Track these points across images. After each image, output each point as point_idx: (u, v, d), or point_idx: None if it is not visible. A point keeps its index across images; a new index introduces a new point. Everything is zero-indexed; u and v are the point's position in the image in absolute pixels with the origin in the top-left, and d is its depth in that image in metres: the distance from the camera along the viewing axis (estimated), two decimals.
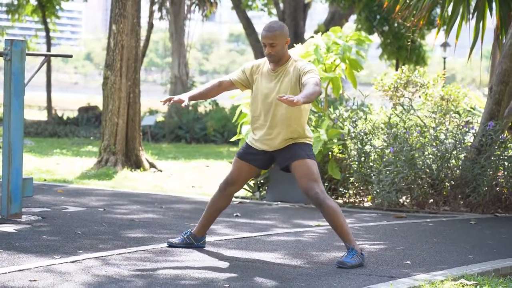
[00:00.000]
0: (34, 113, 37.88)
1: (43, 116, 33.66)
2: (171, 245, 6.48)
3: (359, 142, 10.10)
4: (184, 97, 6.06)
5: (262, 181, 10.69)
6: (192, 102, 25.75)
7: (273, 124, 6.08)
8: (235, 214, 8.79)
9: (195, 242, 6.49)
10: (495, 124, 9.79)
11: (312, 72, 5.91)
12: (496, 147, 9.72)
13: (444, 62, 35.29)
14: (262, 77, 6.12)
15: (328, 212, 5.95)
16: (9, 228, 7.11)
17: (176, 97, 6.03)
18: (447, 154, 9.75)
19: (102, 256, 5.98)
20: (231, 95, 10.68)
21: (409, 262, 6.25)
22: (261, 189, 10.70)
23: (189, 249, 6.40)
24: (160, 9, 29.71)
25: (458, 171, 9.80)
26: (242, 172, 6.29)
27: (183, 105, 6.02)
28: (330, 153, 10.26)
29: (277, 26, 6.01)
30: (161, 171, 14.07)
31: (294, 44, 10.90)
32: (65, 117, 29.40)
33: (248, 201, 10.28)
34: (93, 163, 14.09)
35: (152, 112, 29.63)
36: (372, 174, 9.92)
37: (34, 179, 11.10)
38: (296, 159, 6.04)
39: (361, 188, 10.21)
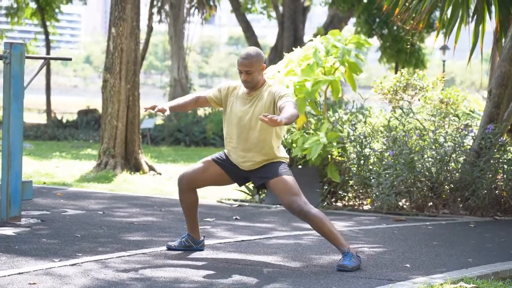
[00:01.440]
0: (34, 116, 37.86)
1: (42, 119, 33.65)
2: (170, 248, 6.49)
3: (358, 145, 10.10)
4: (166, 106, 6.17)
5: None
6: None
7: (246, 148, 6.16)
8: (234, 217, 8.79)
9: (194, 245, 6.50)
10: (494, 127, 9.79)
11: (288, 96, 6.03)
12: (495, 150, 9.72)
13: (444, 65, 35.32)
14: (237, 100, 6.21)
15: (315, 221, 5.97)
16: (9, 231, 7.11)
17: (159, 106, 6.13)
18: (446, 157, 9.75)
19: (101, 259, 5.98)
20: None
21: (408, 265, 6.25)
22: (260, 192, 10.70)
23: (188, 252, 6.40)
24: (159, 12, 29.71)
25: (457, 174, 9.80)
26: (208, 173, 6.30)
27: (165, 113, 6.12)
28: (329, 156, 10.26)
29: (254, 54, 6.10)
30: (160, 174, 14.07)
31: (293, 48, 10.91)
32: (64, 120, 29.39)
33: (247, 204, 10.28)
34: (93, 166, 14.09)
35: (151, 115, 29.62)
36: (371, 177, 9.92)
37: (34, 182, 11.10)
38: (272, 178, 6.10)
39: (361, 191, 10.21)
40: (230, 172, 6.30)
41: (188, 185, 6.33)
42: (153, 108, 6.13)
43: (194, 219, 6.48)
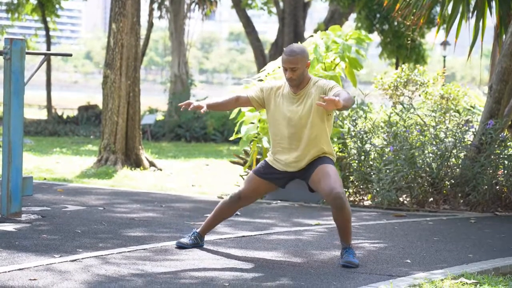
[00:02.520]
0: (34, 112, 37.86)
1: (43, 115, 33.65)
2: (181, 246, 6.43)
3: (359, 141, 10.10)
4: (203, 103, 6.05)
5: None
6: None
7: (300, 147, 6.06)
8: (234, 213, 8.78)
9: (201, 242, 6.49)
10: (495, 122, 9.78)
11: (338, 86, 5.93)
12: (496, 146, 9.72)
13: (444, 60, 35.31)
14: (284, 100, 6.08)
15: (345, 213, 5.90)
16: (9, 227, 7.11)
17: (195, 103, 6.02)
18: (447, 153, 9.75)
19: (102, 255, 5.98)
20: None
21: (409, 261, 6.25)
22: None
23: (189, 248, 6.40)
24: (159, 8, 29.70)
25: (458, 169, 9.80)
26: (259, 189, 6.27)
27: (202, 111, 6.01)
28: None
29: (298, 50, 5.98)
30: (161, 170, 14.07)
31: (294, 43, 10.89)
32: (65, 116, 29.39)
33: None
34: (93, 162, 14.10)
35: (152, 111, 29.63)
36: (372, 173, 9.92)
37: (34, 178, 11.11)
38: (318, 165, 6.03)
39: (361, 186, 10.21)
40: (276, 181, 6.23)
41: (244, 204, 6.35)
42: (188, 105, 6.02)
43: (217, 223, 6.51)
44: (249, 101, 6.18)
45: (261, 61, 28.59)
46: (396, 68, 26.07)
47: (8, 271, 5.30)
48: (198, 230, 6.51)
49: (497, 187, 9.74)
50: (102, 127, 13.96)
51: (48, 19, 30.74)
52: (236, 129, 10.47)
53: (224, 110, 6.59)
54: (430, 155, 9.84)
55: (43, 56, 8.15)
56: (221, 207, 6.39)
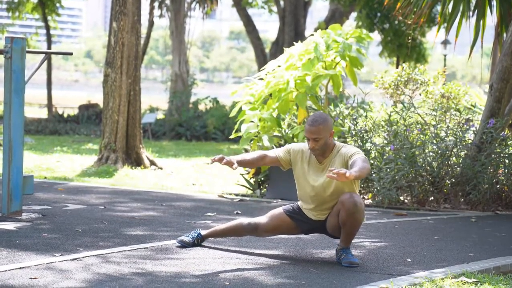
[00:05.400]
0: (35, 111, 37.86)
1: (43, 114, 33.65)
2: (182, 245, 6.42)
3: (359, 140, 10.10)
4: (234, 160, 5.98)
5: (262, 179, 10.70)
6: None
7: (324, 208, 6.05)
8: (235, 212, 8.79)
9: (200, 244, 6.48)
10: (495, 121, 9.79)
11: (358, 153, 5.85)
12: (496, 145, 9.72)
13: (445, 59, 35.28)
14: (310, 168, 6.05)
15: (359, 217, 5.87)
16: (10, 225, 7.11)
17: (227, 158, 5.94)
18: (447, 152, 9.75)
19: (102, 254, 5.98)
20: (232, 92, 10.68)
21: (409, 260, 6.25)
22: (261, 187, 10.70)
23: (189, 247, 6.40)
24: (160, 7, 29.67)
25: (458, 168, 9.80)
26: (280, 228, 6.24)
27: (233, 167, 5.92)
28: None
29: (321, 120, 5.91)
30: (161, 168, 14.07)
31: (294, 42, 10.89)
32: (65, 115, 29.39)
33: (248, 198, 10.28)
34: (94, 160, 14.10)
35: (152, 110, 29.62)
36: (372, 172, 9.92)
37: (35, 177, 11.09)
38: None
39: (362, 185, 10.21)
40: (302, 225, 6.20)
41: (256, 235, 6.30)
42: (220, 160, 5.92)
43: (222, 237, 6.51)
44: (277, 161, 6.14)
45: (262, 60, 28.59)
46: (397, 67, 26.03)
47: (9, 270, 5.30)
48: (203, 233, 6.48)
49: (498, 186, 9.75)
50: (103, 126, 13.96)
51: (48, 17, 30.73)
52: (236, 127, 10.47)
53: (252, 167, 6.47)
54: (431, 154, 9.84)
55: (43, 55, 8.15)
56: (235, 227, 6.32)
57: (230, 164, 5.92)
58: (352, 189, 5.98)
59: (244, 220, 6.34)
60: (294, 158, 6.10)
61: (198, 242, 6.45)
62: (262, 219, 6.25)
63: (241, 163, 6.09)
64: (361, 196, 10.25)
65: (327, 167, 5.94)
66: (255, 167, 6.28)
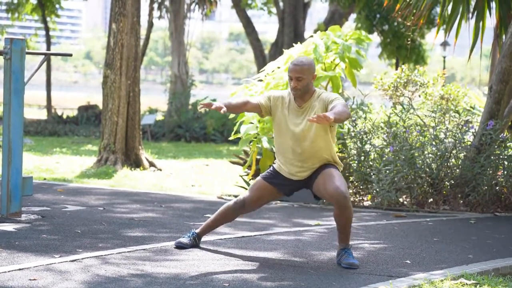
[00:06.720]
0: (34, 112, 37.87)
1: (43, 115, 33.66)
2: (180, 246, 6.42)
3: (358, 141, 10.10)
4: (222, 104, 5.99)
5: None
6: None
7: (305, 158, 6.08)
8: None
9: (198, 243, 6.50)
10: (495, 123, 9.79)
11: (338, 99, 5.93)
12: (496, 147, 9.72)
13: (444, 61, 35.32)
14: (290, 113, 6.09)
15: (348, 212, 5.93)
16: (9, 227, 7.11)
17: (216, 104, 5.95)
18: (446, 154, 9.75)
19: (101, 255, 5.98)
20: (231, 93, 10.67)
21: (408, 262, 6.25)
22: None
23: (188, 249, 6.40)
24: (159, 8, 29.69)
25: (457, 170, 9.80)
26: (265, 196, 6.28)
27: (222, 111, 5.95)
28: None
29: (306, 61, 6.01)
30: (160, 170, 14.07)
31: (294, 44, 10.90)
32: (64, 116, 29.39)
33: None
34: (93, 162, 14.10)
35: (151, 111, 29.62)
36: (371, 173, 9.92)
37: (34, 178, 11.11)
38: (322, 170, 6.07)
39: (361, 187, 10.21)
40: (283, 188, 6.24)
41: (248, 210, 6.34)
42: (210, 105, 5.91)
43: (217, 226, 6.52)
44: (258, 106, 6.16)
45: (261, 61, 28.59)
46: (396, 69, 26.07)
47: (8, 271, 5.30)
48: (197, 231, 6.51)
49: (497, 188, 9.75)
50: (102, 127, 13.96)
51: (48, 18, 30.74)
52: (235, 128, 10.47)
53: (237, 112, 6.53)
54: (430, 155, 9.84)
55: (43, 56, 8.16)
56: (224, 211, 6.38)
57: (219, 108, 5.96)
58: (328, 139, 6.03)
59: (230, 202, 6.40)
60: (274, 104, 6.14)
61: (195, 241, 6.46)
62: (246, 193, 6.32)
63: (229, 108, 6.10)
64: (360, 198, 10.26)
65: (307, 111, 6.03)
66: (238, 113, 6.30)
